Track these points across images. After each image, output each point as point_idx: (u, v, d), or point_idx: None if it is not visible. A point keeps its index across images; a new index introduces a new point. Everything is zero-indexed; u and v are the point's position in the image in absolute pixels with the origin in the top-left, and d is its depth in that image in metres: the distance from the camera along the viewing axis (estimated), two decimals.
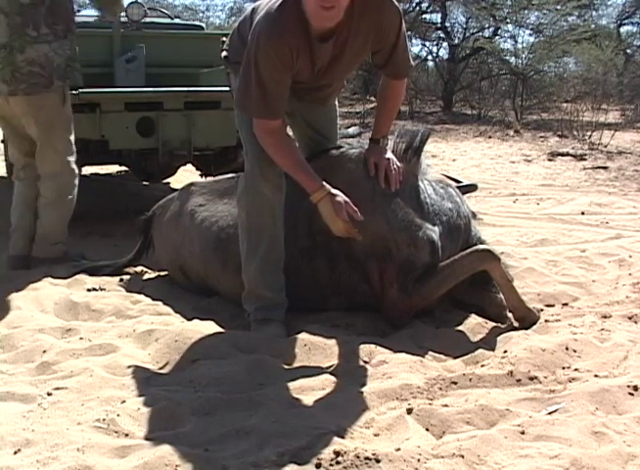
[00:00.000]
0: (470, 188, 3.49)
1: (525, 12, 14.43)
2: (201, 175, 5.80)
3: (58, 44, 3.67)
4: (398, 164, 2.92)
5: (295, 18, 2.55)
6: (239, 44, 2.83)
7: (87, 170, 6.82)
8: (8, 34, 3.57)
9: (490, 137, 11.04)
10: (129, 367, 2.46)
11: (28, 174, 3.86)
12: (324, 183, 2.66)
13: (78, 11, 6.37)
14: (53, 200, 3.81)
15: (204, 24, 7.20)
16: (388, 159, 2.89)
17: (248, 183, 2.84)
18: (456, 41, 16.18)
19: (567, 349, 2.53)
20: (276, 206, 2.84)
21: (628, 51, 18.03)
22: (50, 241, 3.83)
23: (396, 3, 2.68)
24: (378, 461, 1.80)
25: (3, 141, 5.99)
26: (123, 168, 6.71)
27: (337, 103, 3.26)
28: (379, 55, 2.78)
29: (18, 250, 3.82)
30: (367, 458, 1.81)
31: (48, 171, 3.80)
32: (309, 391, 2.28)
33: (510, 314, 2.91)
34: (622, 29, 19.40)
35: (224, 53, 2.99)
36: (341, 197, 2.64)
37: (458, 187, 3.24)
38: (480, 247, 2.92)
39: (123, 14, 5.38)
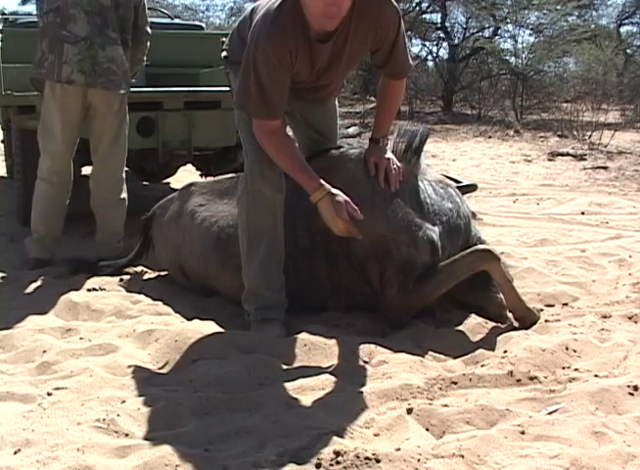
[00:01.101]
0: (469, 188, 3.49)
1: (526, 12, 14.43)
2: (201, 175, 5.80)
3: (125, 51, 3.81)
4: (398, 163, 2.92)
5: (294, 18, 2.54)
6: (239, 44, 2.83)
7: (87, 170, 6.81)
8: (88, 30, 3.65)
9: (490, 137, 11.04)
10: (129, 367, 2.46)
11: (62, 180, 3.84)
12: (323, 183, 2.66)
13: None
14: (118, 199, 3.94)
15: (204, 24, 7.21)
16: (388, 159, 2.89)
17: (247, 183, 2.84)
18: (456, 41, 16.19)
19: (567, 349, 2.53)
20: (276, 206, 2.84)
21: (628, 51, 18.02)
22: (117, 239, 3.95)
23: (395, 3, 2.68)
24: (378, 461, 1.80)
25: (3, 141, 5.99)
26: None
27: (337, 103, 3.26)
28: (378, 54, 2.78)
29: (46, 254, 3.85)
30: (367, 458, 1.81)
31: (112, 170, 3.89)
32: (309, 391, 2.28)
33: (510, 314, 2.91)
34: (622, 29, 19.44)
35: (224, 53, 2.99)
36: (341, 196, 2.64)
37: (458, 187, 3.24)
38: (480, 247, 2.92)
39: None
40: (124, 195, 3.98)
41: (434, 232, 2.87)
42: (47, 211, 3.84)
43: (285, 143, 2.73)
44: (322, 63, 2.72)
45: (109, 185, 3.91)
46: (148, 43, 4.04)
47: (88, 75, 3.66)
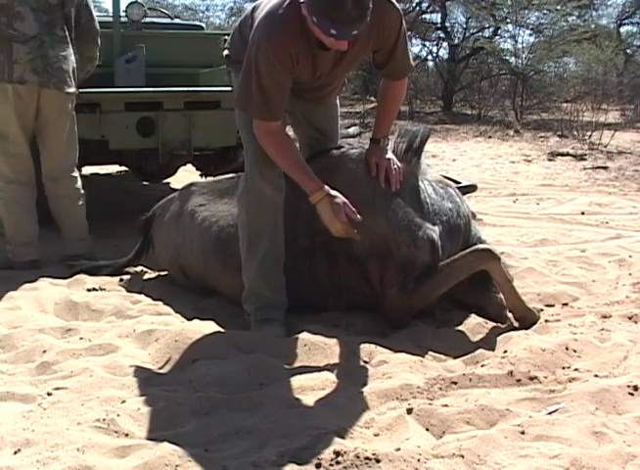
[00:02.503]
0: (469, 189, 3.49)
1: (526, 12, 14.42)
2: (201, 175, 5.80)
3: (72, 50, 3.77)
4: (399, 164, 2.92)
5: (296, 24, 2.52)
6: (240, 43, 2.83)
7: (87, 170, 6.82)
8: (36, 28, 3.61)
9: (490, 137, 11.04)
10: (129, 367, 2.46)
11: (30, 177, 3.82)
12: (323, 184, 2.66)
13: None
14: (78, 196, 3.94)
15: (204, 24, 7.21)
16: (389, 159, 2.89)
17: (248, 183, 2.84)
18: (456, 41, 16.19)
19: (567, 349, 2.53)
20: (276, 205, 2.84)
21: (628, 51, 18.01)
22: (83, 236, 3.96)
23: (397, 5, 2.68)
24: (378, 461, 1.80)
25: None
26: (123, 168, 6.71)
27: (338, 102, 3.26)
28: (379, 55, 2.78)
29: (36, 255, 3.84)
30: (367, 458, 1.81)
31: (68, 167, 3.88)
32: (309, 391, 2.28)
33: (510, 314, 2.91)
34: (622, 29, 19.40)
35: (226, 51, 2.99)
36: (339, 198, 2.64)
37: (457, 188, 3.24)
38: (481, 246, 2.92)
39: (123, 14, 5.39)
40: (80, 185, 3.96)
41: (434, 232, 2.87)
42: (25, 210, 3.81)
43: (285, 143, 2.72)
44: (324, 67, 2.73)
45: (68, 184, 3.89)
46: (98, 40, 3.98)
47: (41, 75, 3.61)
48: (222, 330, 2.80)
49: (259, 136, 2.70)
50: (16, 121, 3.69)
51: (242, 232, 2.91)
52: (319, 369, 2.45)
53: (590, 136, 10.02)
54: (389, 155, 2.92)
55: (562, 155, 8.99)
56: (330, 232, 2.69)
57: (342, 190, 2.68)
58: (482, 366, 2.45)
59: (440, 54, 17.43)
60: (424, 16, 16.35)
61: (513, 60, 14.62)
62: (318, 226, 2.79)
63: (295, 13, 2.51)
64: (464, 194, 3.27)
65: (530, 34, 14.81)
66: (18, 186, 3.77)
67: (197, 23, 7.55)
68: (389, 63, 2.79)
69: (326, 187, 2.65)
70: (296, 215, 2.94)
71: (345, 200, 2.64)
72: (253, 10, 2.80)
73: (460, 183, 3.45)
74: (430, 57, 17.32)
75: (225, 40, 3.08)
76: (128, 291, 3.42)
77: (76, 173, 3.97)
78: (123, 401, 2.18)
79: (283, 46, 2.55)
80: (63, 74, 3.68)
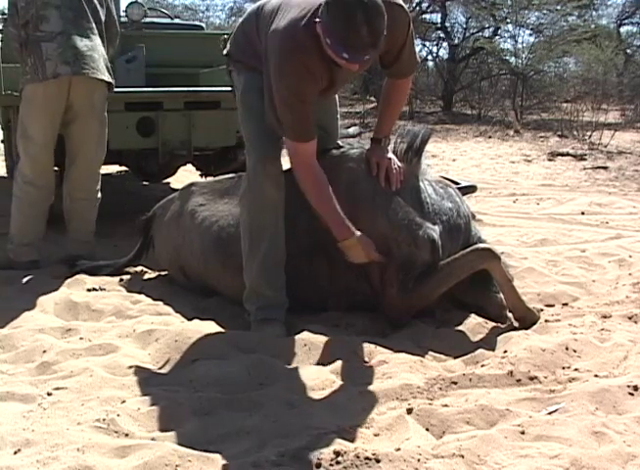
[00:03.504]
0: (469, 189, 3.49)
1: (526, 12, 14.42)
2: (201, 175, 5.80)
3: (100, 41, 3.77)
4: (399, 164, 2.92)
5: (316, 42, 2.46)
6: (244, 44, 2.83)
7: None
8: (62, 25, 3.62)
9: (490, 137, 11.04)
10: (129, 367, 2.46)
11: (48, 182, 3.79)
12: (354, 229, 2.66)
13: None
14: (95, 199, 3.93)
15: (204, 24, 7.21)
16: (390, 159, 2.89)
17: (250, 182, 2.84)
18: (456, 41, 16.18)
19: (567, 349, 2.53)
20: (278, 204, 2.84)
21: (628, 51, 18.00)
22: (89, 238, 3.94)
23: (405, 6, 2.66)
24: (378, 461, 1.80)
25: (3, 141, 5.99)
26: (123, 168, 6.71)
27: (337, 97, 3.24)
28: (386, 56, 2.76)
29: (37, 255, 3.83)
30: (367, 458, 1.81)
31: (94, 171, 3.88)
32: (309, 391, 2.28)
33: (510, 314, 2.91)
34: (622, 29, 19.40)
35: (226, 50, 2.98)
36: (366, 238, 2.68)
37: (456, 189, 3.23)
38: (481, 246, 2.92)
39: (123, 14, 5.40)
40: (99, 188, 3.95)
41: (434, 231, 2.87)
42: (35, 214, 3.79)
43: (322, 181, 2.68)
44: (341, 78, 2.73)
45: (89, 186, 3.88)
46: (118, 39, 4.00)
47: (72, 65, 3.60)
48: (222, 330, 2.80)
49: (298, 166, 2.68)
50: (42, 122, 3.68)
51: (243, 231, 2.91)
52: (319, 369, 2.45)
53: (590, 136, 10.02)
54: (390, 155, 2.92)
55: (562, 155, 8.99)
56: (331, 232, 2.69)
57: (342, 190, 2.68)
58: (482, 366, 2.45)
59: (440, 54, 17.46)
60: (424, 16, 16.33)
61: (513, 60, 14.63)
62: (318, 225, 2.79)
63: (313, 31, 2.46)
64: (463, 195, 3.27)
65: (530, 34, 14.83)
66: (33, 189, 3.75)
67: (197, 23, 7.56)
68: (397, 63, 2.78)
69: (356, 232, 2.66)
70: (296, 215, 2.94)
71: (368, 239, 2.69)
72: (259, 11, 2.79)
73: (459, 184, 3.45)
74: (430, 57, 17.33)
75: (224, 40, 3.07)
76: (128, 291, 3.42)
77: (99, 175, 3.95)
78: (123, 401, 2.18)
79: (303, 65, 2.52)
80: (95, 62, 3.67)
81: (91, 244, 3.96)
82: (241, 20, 3.02)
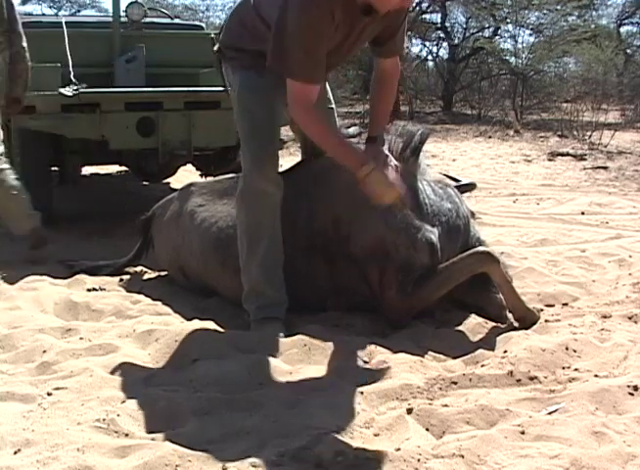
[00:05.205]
0: (468, 187, 3.49)
1: (526, 12, 14.44)
2: (201, 175, 5.80)
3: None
4: (396, 162, 2.89)
5: None
6: (239, 29, 2.79)
7: (87, 170, 6.83)
8: None
9: (490, 137, 11.04)
10: (129, 367, 2.46)
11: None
12: (367, 156, 2.59)
13: (78, 11, 6.43)
14: (18, 184, 3.95)
15: (204, 24, 7.21)
16: (386, 156, 2.84)
17: (247, 181, 2.83)
18: (456, 41, 16.19)
19: (567, 349, 2.53)
20: (276, 204, 2.83)
21: (628, 51, 18.01)
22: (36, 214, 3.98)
23: None
24: (378, 461, 1.80)
25: (3, 141, 5.99)
26: (123, 168, 6.72)
27: (328, 87, 3.18)
28: (384, 32, 2.71)
29: None
30: (367, 458, 1.81)
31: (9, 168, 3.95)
32: (309, 391, 2.28)
33: (510, 315, 2.91)
34: (622, 29, 19.42)
35: (216, 46, 2.92)
36: (384, 161, 2.58)
37: (456, 186, 3.23)
38: (480, 249, 2.91)
39: (123, 14, 5.40)
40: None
41: (432, 234, 2.86)
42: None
43: (325, 120, 2.65)
44: (352, 38, 2.66)
45: (11, 177, 3.93)
46: (28, 75, 3.97)
47: None
48: (222, 330, 2.80)
49: (298, 111, 2.59)
50: None
51: (241, 232, 2.91)
52: (319, 369, 2.45)
53: (590, 136, 10.02)
54: (386, 152, 2.90)
55: (562, 155, 8.99)
56: (329, 231, 2.67)
57: (339, 191, 2.66)
58: (482, 366, 2.45)
59: (440, 54, 17.45)
60: (424, 16, 16.33)
61: (513, 60, 14.64)
62: (317, 227, 2.79)
63: None
64: (463, 192, 3.26)
65: (530, 34, 14.85)
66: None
67: (197, 23, 7.55)
68: (390, 40, 2.75)
69: (372, 160, 2.56)
70: (294, 216, 2.93)
71: (389, 161, 2.58)
72: None
73: (460, 181, 3.44)
74: (430, 57, 17.35)
75: (213, 39, 3.01)
76: (128, 291, 3.42)
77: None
78: (123, 401, 2.18)
79: (328, 7, 2.47)
80: None
81: (39, 225, 3.97)
82: (233, 8, 2.97)
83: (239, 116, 2.87)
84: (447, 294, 2.90)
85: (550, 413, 2.10)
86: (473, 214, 3.24)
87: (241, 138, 2.88)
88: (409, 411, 2.10)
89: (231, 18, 2.93)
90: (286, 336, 2.74)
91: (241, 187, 2.88)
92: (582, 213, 5.48)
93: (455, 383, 2.33)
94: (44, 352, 2.60)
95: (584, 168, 8.07)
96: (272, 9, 2.61)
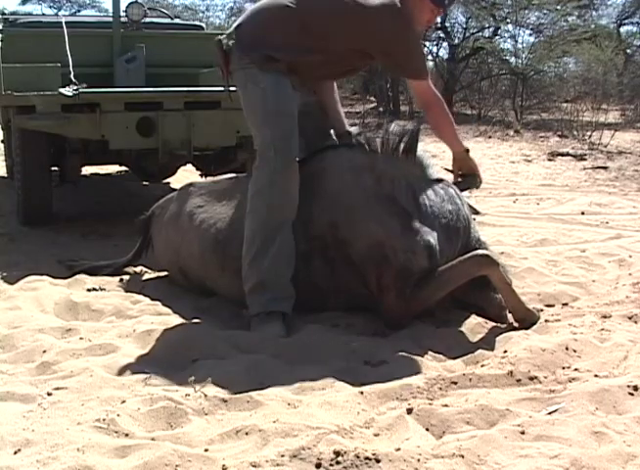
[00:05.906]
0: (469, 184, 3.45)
1: (526, 12, 14.43)
2: (201, 175, 5.80)
3: None
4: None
5: None
6: (284, 38, 2.89)
7: (87, 170, 6.82)
8: None
9: (490, 137, 11.04)
10: (129, 367, 2.46)
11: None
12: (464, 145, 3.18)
13: (78, 11, 6.45)
14: None
15: (204, 24, 7.21)
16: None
17: (274, 179, 2.84)
18: (456, 41, 16.16)
19: (567, 349, 2.53)
20: (296, 202, 2.89)
21: (628, 51, 18.02)
22: None
23: None
24: (378, 461, 1.80)
25: (3, 141, 6.00)
26: (123, 168, 6.71)
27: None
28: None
29: None
30: (367, 458, 1.81)
31: None
32: (309, 391, 2.28)
33: (510, 315, 2.91)
34: (622, 29, 19.42)
35: (232, 42, 2.90)
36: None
37: (459, 183, 3.19)
38: (479, 252, 2.89)
39: (123, 14, 5.40)
40: None
41: (431, 237, 2.84)
42: None
43: (444, 104, 3.16)
44: None
45: None
46: None
47: None
48: (222, 330, 2.80)
49: (434, 99, 3.09)
50: None
51: (257, 226, 2.88)
52: (319, 369, 2.45)
53: (590, 136, 10.02)
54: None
55: (562, 155, 8.98)
56: (339, 228, 2.75)
57: (337, 193, 2.66)
58: (482, 366, 2.45)
59: (440, 54, 17.44)
60: None
61: (513, 60, 14.64)
62: (316, 230, 2.79)
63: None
64: (464, 190, 3.22)
65: (530, 34, 14.86)
66: None
67: (197, 23, 7.56)
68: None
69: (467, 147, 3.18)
70: (294, 219, 2.92)
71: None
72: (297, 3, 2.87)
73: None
74: (430, 57, 17.31)
75: (220, 41, 2.96)
76: (128, 291, 3.42)
77: None
78: (123, 401, 2.18)
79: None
80: None
81: None
82: (258, 8, 2.98)
83: (268, 118, 2.86)
84: (447, 294, 2.90)
85: (550, 413, 2.10)
86: (477, 212, 3.23)
87: (266, 139, 2.86)
88: (409, 411, 2.10)
89: (260, 14, 2.95)
90: (286, 336, 2.74)
91: (263, 183, 2.86)
92: (582, 213, 5.48)
93: (455, 383, 2.33)
94: (44, 351, 2.60)
95: (584, 168, 8.07)
96: (322, 17, 2.91)
